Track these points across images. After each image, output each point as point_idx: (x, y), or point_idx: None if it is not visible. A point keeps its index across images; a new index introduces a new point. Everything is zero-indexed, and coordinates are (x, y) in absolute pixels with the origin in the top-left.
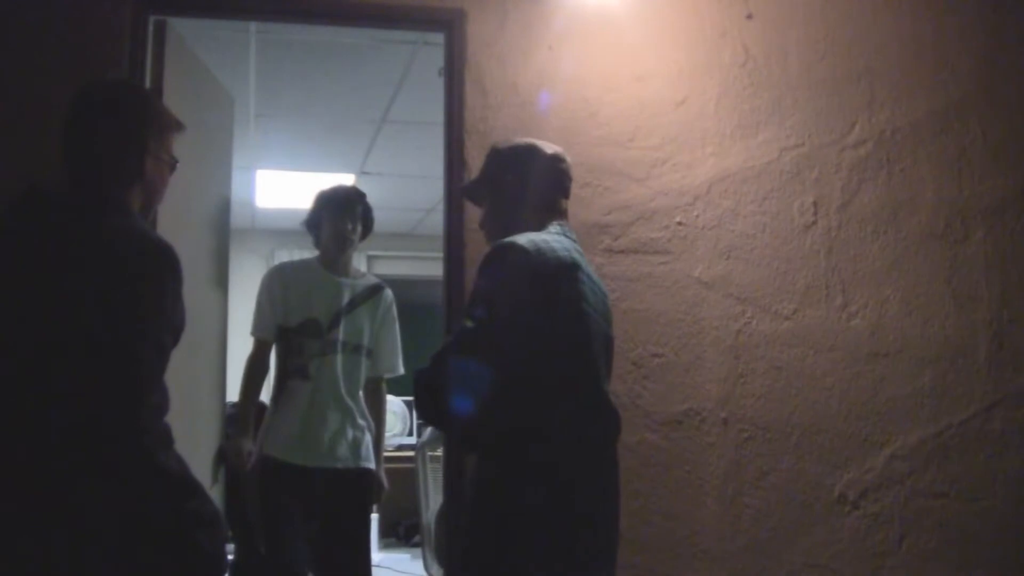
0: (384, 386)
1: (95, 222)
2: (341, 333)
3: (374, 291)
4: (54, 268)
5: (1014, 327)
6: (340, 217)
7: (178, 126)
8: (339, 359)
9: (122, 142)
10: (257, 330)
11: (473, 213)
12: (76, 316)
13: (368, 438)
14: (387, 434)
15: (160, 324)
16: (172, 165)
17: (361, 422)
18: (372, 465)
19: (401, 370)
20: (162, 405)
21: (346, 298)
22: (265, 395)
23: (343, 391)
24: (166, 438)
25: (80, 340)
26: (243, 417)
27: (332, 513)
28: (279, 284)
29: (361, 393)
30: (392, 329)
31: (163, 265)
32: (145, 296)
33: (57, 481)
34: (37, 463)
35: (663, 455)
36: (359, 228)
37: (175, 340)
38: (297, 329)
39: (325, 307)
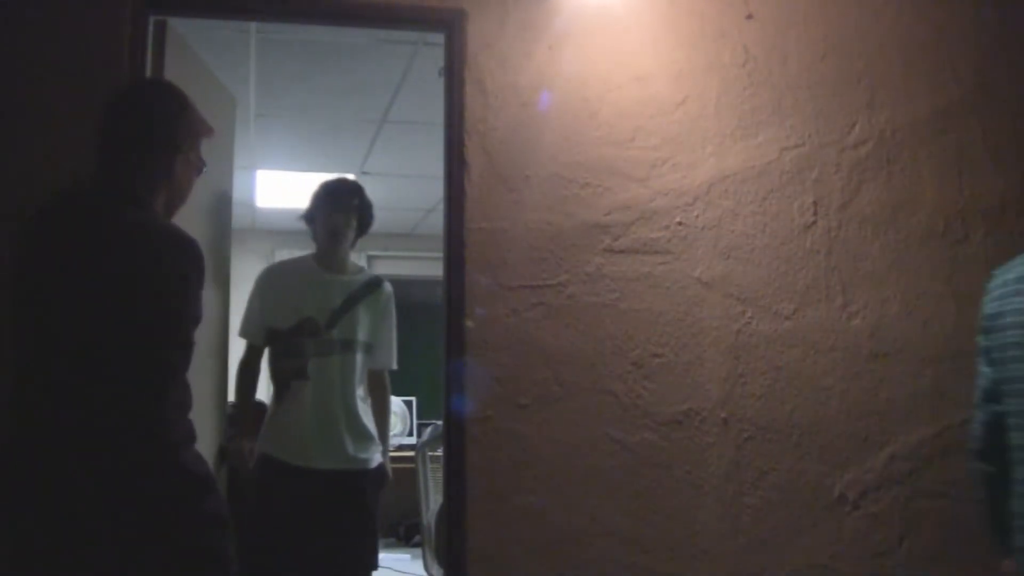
0: (387, 377)
1: (117, 218)
2: (338, 332)
3: (372, 286)
4: (76, 268)
5: None
6: (333, 210)
7: (208, 131)
8: (337, 358)
9: (153, 141)
10: (246, 333)
11: (473, 213)
12: (100, 314)
13: (369, 435)
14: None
15: (185, 319)
16: (199, 168)
17: (362, 420)
18: (373, 463)
19: (394, 365)
20: (184, 402)
21: (341, 296)
22: (263, 395)
23: (343, 390)
24: (188, 435)
25: (103, 337)
26: (243, 418)
27: (335, 513)
28: (270, 286)
29: (360, 390)
30: (390, 324)
31: (187, 259)
32: (169, 291)
33: (81, 476)
34: (64, 458)
35: (663, 455)
36: (353, 223)
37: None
38: (293, 330)
39: (320, 306)
